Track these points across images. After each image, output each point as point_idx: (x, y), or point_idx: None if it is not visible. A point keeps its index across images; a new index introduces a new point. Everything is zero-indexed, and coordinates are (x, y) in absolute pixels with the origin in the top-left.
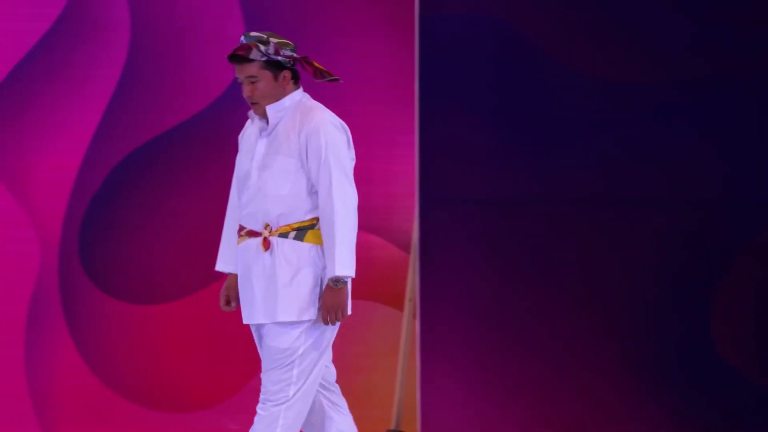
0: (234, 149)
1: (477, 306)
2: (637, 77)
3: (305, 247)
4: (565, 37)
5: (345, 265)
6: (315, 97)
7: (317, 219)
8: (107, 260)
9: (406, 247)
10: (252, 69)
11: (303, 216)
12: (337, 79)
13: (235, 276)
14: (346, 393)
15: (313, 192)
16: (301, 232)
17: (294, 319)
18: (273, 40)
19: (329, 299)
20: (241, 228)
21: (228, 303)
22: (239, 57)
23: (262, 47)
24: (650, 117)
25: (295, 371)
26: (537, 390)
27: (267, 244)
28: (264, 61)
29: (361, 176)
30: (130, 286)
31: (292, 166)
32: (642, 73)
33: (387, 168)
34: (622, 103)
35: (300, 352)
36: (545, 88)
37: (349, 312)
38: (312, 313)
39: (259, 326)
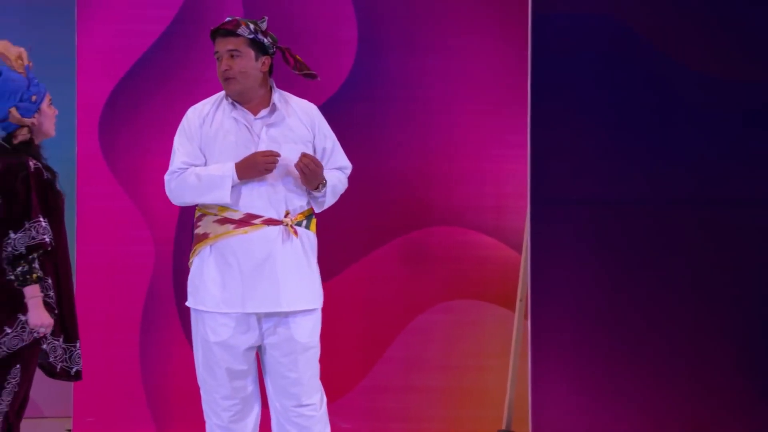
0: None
1: (588, 306)
2: (750, 75)
3: (312, 236)
4: (677, 35)
5: (331, 185)
6: (427, 97)
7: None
8: None
9: (517, 247)
10: (236, 43)
11: (308, 204)
12: (314, 75)
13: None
14: (457, 392)
15: None
16: (308, 220)
17: (318, 306)
18: (262, 25)
19: (320, 169)
20: (252, 216)
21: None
22: (226, 30)
23: (250, 26)
24: (763, 116)
25: (318, 361)
26: (648, 392)
27: (295, 232)
28: (250, 39)
29: (472, 176)
30: None
31: None
32: (755, 71)
33: (499, 168)
34: (733, 101)
35: (319, 340)
36: (658, 87)
37: None
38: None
39: (268, 318)
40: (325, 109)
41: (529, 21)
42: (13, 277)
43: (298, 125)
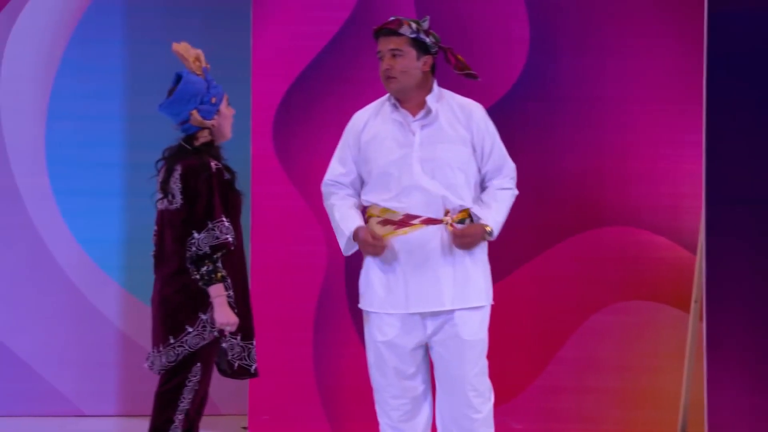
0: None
1: (765, 308)
2: None
3: None
4: None
5: (499, 226)
6: (601, 96)
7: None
8: None
9: (692, 248)
10: (398, 42)
11: (471, 202)
12: (474, 76)
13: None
14: (631, 393)
15: (480, 179)
16: (472, 217)
17: (484, 303)
18: (424, 24)
19: (475, 233)
20: (411, 216)
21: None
22: (388, 29)
23: (413, 25)
24: None
25: (485, 358)
26: None
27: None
28: (412, 38)
29: (647, 176)
30: None
31: (465, 156)
32: None
33: (674, 168)
34: None
35: (486, 337)
36: None
37: None
38: (491, 297)
39: (433, 317)
40: (497, 108)
41: (704, 20)
42: (198, 277)
43: (455, 125)
